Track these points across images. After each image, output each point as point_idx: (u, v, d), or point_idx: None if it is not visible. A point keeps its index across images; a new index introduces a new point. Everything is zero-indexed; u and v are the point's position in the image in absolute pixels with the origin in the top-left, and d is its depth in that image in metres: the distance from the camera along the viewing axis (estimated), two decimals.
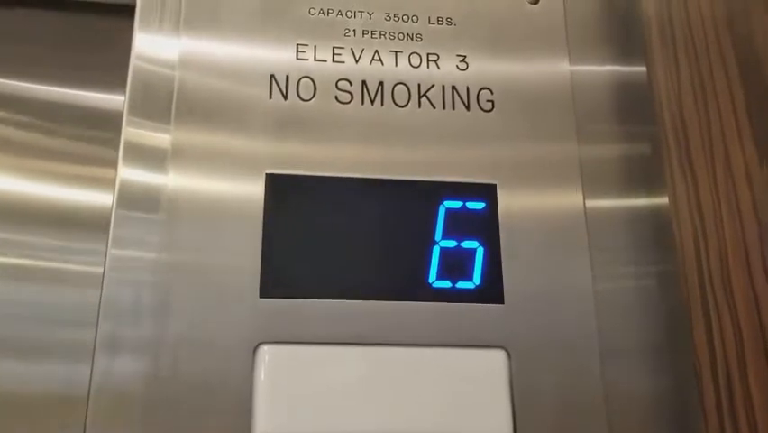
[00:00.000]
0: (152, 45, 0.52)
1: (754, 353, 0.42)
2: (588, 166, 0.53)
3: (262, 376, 0.45)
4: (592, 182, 0.53)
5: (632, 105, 0.55)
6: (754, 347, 0.42)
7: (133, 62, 0.51)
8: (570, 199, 0.52)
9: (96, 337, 0.44)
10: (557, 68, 0.55)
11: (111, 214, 0.47)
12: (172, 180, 0.48)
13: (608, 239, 0.52)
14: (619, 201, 0.53)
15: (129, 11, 0.54)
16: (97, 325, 0.45)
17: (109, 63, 0.58)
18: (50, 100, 0.63)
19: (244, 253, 0.47)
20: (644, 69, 0.55)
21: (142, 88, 0.50)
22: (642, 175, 0.54)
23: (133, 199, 0.48)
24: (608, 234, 0.52)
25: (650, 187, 0.53)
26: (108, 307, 0.45)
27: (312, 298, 0.47)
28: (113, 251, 0.46)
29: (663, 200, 0.51)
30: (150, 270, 0.46)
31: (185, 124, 0.50)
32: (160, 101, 0.50)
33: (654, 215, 0.52)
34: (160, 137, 0.49)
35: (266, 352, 0.45)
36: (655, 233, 0.52)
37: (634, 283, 0.51)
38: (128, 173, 0.48)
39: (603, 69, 0.57)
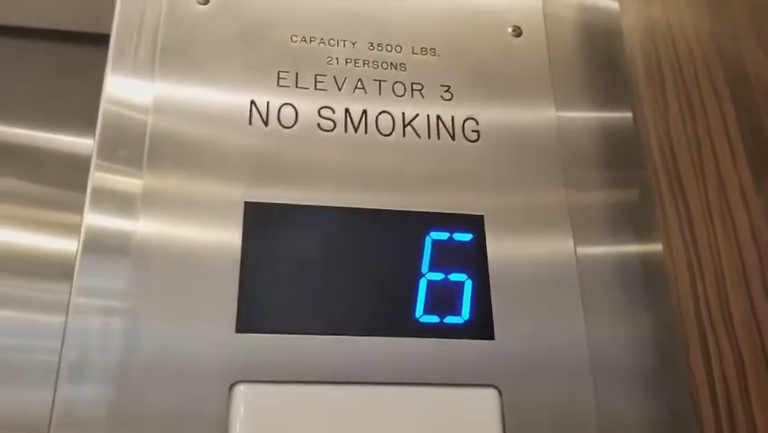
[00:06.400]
0: (125, 89, 0.50)
1: (757, 377, 0.40)
2: (576, 212, 0.52)
3: (238, 417, 0.42)
4: (582, 229, 0.51)
5: (618, 151, 0.55)
6: (757, 371, 0.40)
7: (104, 106, 0.49)
8: (561, 246, 0.50)
9: (54, 392, 0.41)
10: (543, 114, 0.54)
11: (75, 261, 0.44)
12: (143, 226, 0.46)
13: (599, 285, 0.50)
14: (610, 248, 0.52)
15: (104, 40, 0.52)
16: (58, 376, 0.41)
17: (80, 97, 0.56)
18: (17, 143, 0.61)
19: (220, 292, 0.44)
20: (629, 114, 0.54)
21: (113, 133, 0.48)
22: (631, 221, 0.53)
23: (100, 246, 0.45)
24: (599, 280, 0.50)
25: (640, 232, 0.52)
26: (69, 360, 0.42)
27: (291, 333, 0.44)
28: (76, 300, 0.43)
29: (654, 246, 0.50)
30: (116, 318, 0.43)
31: (158, 169, 0.47)
32: (132, 146, 0.48)
33: (645, 260, 0.51)
34: (130, 182, 0.47)
35: (242, 392, 0.42)
36: (647, 278, 0.50)
37: (626, 328, 0.50)
38: (95, 219, 0.46)
39: (589, 116, 0.56)
